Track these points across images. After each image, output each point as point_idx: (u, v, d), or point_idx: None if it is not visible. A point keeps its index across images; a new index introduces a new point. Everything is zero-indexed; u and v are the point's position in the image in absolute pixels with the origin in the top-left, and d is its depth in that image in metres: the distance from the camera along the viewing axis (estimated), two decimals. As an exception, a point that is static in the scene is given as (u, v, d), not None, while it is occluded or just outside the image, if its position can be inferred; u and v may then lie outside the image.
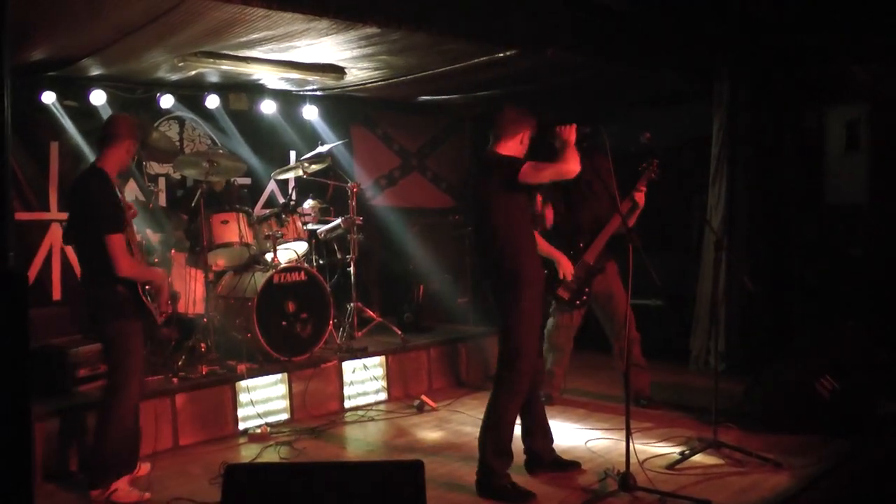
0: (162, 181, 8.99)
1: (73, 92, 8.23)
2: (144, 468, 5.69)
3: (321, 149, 8.81)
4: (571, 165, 5.45)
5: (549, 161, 5.50)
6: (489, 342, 8.89)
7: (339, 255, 9.04)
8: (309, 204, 8.95)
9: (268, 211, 8.57)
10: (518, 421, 5.75)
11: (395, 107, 10.72)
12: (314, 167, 8.81)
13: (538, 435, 5.91)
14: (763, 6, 8.27)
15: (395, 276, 10.45)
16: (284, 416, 7.48)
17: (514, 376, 5.54)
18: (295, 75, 8.25)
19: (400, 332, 8.80)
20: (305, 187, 9.37)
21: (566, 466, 5.96)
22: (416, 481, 3.41)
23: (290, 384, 7.56)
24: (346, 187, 8.69)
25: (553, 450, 5.97)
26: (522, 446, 5.88)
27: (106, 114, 8.26)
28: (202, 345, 7.51)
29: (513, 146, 5.65)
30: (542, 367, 6.32)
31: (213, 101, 9.03)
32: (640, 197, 7.23)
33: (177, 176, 8.99)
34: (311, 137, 9.84)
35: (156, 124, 8.83)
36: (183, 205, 8.41)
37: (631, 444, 5.34)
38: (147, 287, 5.55)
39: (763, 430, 6.74)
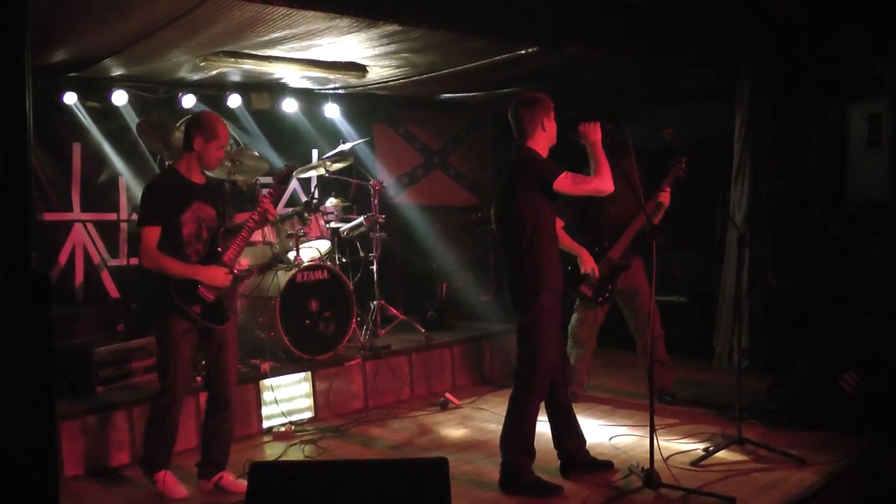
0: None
1: (95, 93, 8.28)
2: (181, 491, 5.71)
3: (343, 147, 8.83)
4: (608, 184, 5.46)
5: (567, 159, 5.49)
6: (512, 339, 8.68)
7: (361, 254, 9.03)
8: (331, 202, 8.94)
9: (290, 210, 8.58)
10: (548, 427, 5.78)
11: (417, 104, 10.72)
12: (336, 165, 8.84)
13: (570, 436, 5.84)
14: (784, 2, 8.22)
15: (418, 274, 10.47)
16: (308, 415, 7.50)
17: (534, 377, 5.52)
18: (317, 74, 8.25)
19: (423, 330, 8.82)
20: (328, 186, 9.40)
21: (601, 467, 5.88)
22: (441, 479, 3.42)
23: (314, 383, 7.57)
24: (369, 185, 8.71)
25: (587, 451, 5.90)
26: (555, 452, 5.86)
27: (128, 114, 8.41)
28: (226, 344, 7.51)
29: (540, 138, 5.58)
30: (568, 368, 6.31)
31: (234, 101, 9.06)
32: (665, 197, 7.20)
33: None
34: (333, 136, 9.86)
35: (178, 124, 8.83)
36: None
37: (655, 441, 5.32)
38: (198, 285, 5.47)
39: (787, 426, 6.72)
